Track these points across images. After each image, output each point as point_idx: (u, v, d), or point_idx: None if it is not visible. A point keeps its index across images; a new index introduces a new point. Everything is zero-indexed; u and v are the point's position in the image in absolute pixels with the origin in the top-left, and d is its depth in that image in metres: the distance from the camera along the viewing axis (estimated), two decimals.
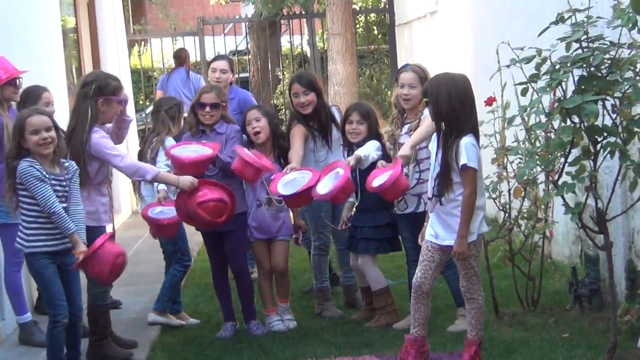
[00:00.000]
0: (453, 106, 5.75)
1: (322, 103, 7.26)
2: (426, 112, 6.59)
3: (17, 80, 6.88)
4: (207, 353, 6.67)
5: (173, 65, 14.32)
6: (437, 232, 5.95)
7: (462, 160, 5.69)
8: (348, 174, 6.62)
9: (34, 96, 7.15)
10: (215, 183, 6.66)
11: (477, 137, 5.83)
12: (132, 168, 6.46)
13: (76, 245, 5.81)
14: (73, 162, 6.09)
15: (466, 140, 5.71)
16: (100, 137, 6.37)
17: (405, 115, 7.01)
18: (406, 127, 6.97)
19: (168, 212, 6.76)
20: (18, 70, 6.87)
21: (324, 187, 6.66)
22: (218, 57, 9.02)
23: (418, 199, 6.77)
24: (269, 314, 7.18)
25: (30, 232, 5.87)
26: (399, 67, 7.38)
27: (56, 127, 5.94)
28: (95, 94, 6.41)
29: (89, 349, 6.49)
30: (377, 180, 6.56)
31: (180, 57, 13.89)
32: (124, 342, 6.76)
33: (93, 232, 6.16)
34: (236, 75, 9.28)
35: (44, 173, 5.77)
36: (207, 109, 6.89)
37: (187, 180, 6.43)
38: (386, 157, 7.05)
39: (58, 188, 5.86)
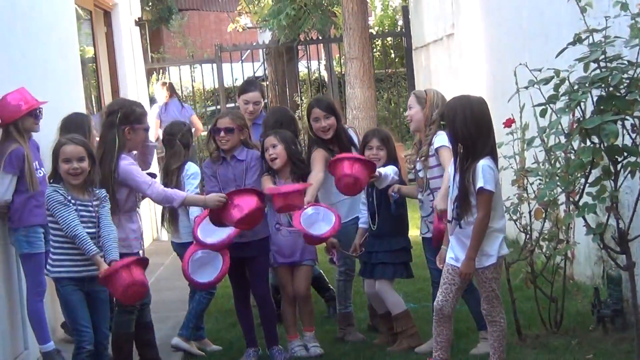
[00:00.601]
0: (469, 129, 5.76)
1: (341, 127, 7.28)
2: (437, 143, 6.71)
3: (37, 111, 6.91)
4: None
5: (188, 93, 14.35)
6: (457, 255, 5.94)
7: (479, 184, 5.70)
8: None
9: (77, 123, 7.19)
10: (242, 191, 6.66)
11: (495, 159, 5.82)
12: (161, 194, 6.49)
13: (99, 266, 5.84)
14: (103, 189, 6.14)
15: (483, 163, 5.72)
16: (128, 164, 6.43)
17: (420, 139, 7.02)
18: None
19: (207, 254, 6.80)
20: (38, 101, 6.91)
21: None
22: (249, 88, 8.64)
23: None
24: (291, 339, 7.13)
25: (56, 258, 5.97)
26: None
27: (91, 156, 6.00)
28: (121, 122, 6.47)
29: None
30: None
31: (173, 88, 13.95)
32: None
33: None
34: (265, 100, 9.17)
35: (69, 198, 5.85)
36: (222, 133, 6.87)
37: (213, 198, 6.46)
38: (402, 182, 7.08)
39: (84, 213, 5.94)
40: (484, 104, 5.95)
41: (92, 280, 5.97)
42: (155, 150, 7.09)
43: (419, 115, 6.89)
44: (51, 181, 6.04)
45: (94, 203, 6.06)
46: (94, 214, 6.02)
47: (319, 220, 6.84)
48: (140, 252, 6.72)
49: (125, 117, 6.49)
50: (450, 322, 6.09)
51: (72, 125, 7.13)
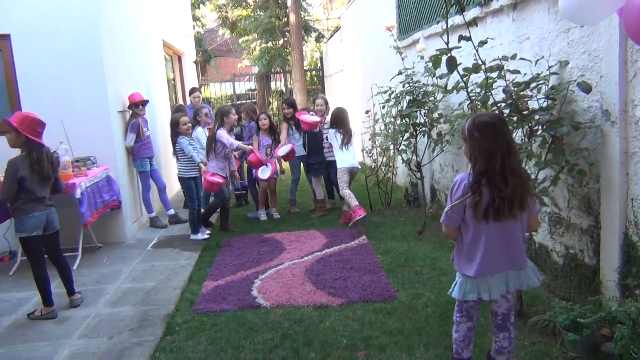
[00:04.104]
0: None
1: (294, 112, 7.04)
2: (328, 118, 6.69)
3: (144, 103, 6.62)
4: (236, 229, 6.41)
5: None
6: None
7: None
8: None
9: (181, 108, 7.20)
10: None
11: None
12: (228, 143, 6.12)
13: (201, 167, 6.03)
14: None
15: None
16: (221, 132, 6.14)
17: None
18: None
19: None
20: (143, 98, 6.65)
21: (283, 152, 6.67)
22: (194, 90, 8.07)
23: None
24: (261, 209, 6.94)
25: (185, 167, 6.10)
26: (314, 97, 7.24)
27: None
28: (220, 115, 6.24)
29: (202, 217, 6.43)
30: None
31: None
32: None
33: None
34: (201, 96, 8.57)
35: (189, 141, 6.11)
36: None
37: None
38: (321, 131, 6.87)
39: (194, 146, 6.16)
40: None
41: (197, 178, 6.13)
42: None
43: (324, 109, 6.86)
44: (177, 138, 6.09)
45: (193, 143, 6.16)
46: (196, 146, 6.16)
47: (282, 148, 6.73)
48: (223, 177, 6.27)
49: (221, 113, 6.24)
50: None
51: (180, 110, 7.14)
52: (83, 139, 5.97)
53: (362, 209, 6.12)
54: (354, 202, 6.19)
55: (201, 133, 6.63)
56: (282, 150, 6.71)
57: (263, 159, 6.50)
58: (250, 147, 6.46)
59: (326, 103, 7.08)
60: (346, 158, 6.39)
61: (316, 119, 6.61)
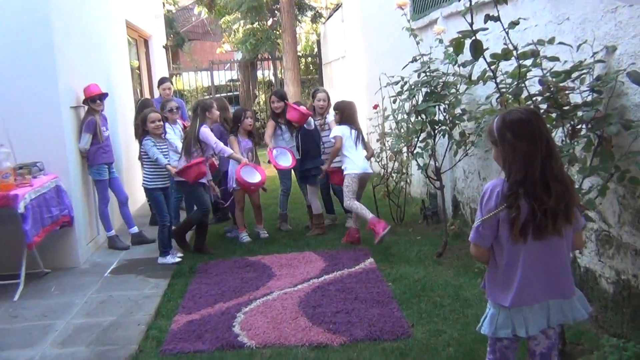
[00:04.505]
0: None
1: (287, 108, 7.05)
2: (329, 117, 6.92)
3: (102, 97, 6.63)
4: (216, 251, 6.43)
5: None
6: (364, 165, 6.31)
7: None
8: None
9: (148, 103, 7.37)
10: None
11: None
12: (218, 148, 6.21)
13: (170, 170, 6.10)
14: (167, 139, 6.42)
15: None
16: (205, 130, 6.19)
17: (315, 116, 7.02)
18: (318, 121, 6.99)
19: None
20: (102, 91, 6.67)
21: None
22: (165, 80, 8.23)
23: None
24: (242, 231, 6.90)
25: (151, 177, 6.16)
26: (314, 90, 7.29)
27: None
28: (201, 110, 6.26)
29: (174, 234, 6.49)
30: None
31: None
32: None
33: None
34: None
35: (155, 142, 6.16)
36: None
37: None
38: (317, 129, 6.98)
39: (162, 149, 6.21)
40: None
41: (167, 188, 6.24)
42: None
43: (326, 105, 7.02)
44: (142, 138, 6.21)
45: (164, 145, 6.21)
46: (165, 149, 6.21)
47: (278, 155, 6.80)
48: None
49: (202, 107, 6.27)
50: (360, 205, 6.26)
51: (146, 104, 7.25)
52: (28, 141, 5.98)
53: (383, 221, 6.13)
54: (368, 214, 6.20)
55: (169, 132, 6.63)
56: (282, 159, 6.71)
57: (257, 173, 6.53)
58: (243, 158, 6.44)
59: (328, 99, 7.11)
60: (358, 162, 6.40)
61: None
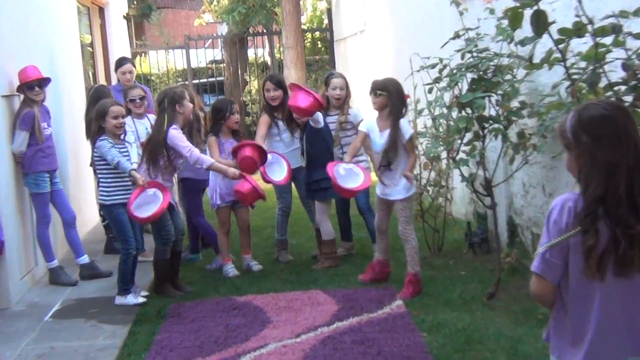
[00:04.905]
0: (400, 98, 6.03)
1: (287, 98, 7.07)
2: (353, 111, 6.95)
3: (43, 82, 6.69)
4: (194, 288, 6.50)
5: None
6: (384, 190, 6.13)
7: (408, 134, 6.00)
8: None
9: (105, 92, 7.33)
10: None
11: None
12: (194, 158, 6.17)
13: (135, 177, 5.99)
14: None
15: (404, 121, 6.01)
16: (176, 132, 6.19)
17: (328, 110, 7.03)
18: (334, 117, 7.01)
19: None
20: (42, 75, 6.72)
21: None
22: (125, 61, 8.28)
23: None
24: (227, 262, 6.94)
25: (111, 190, 6.17)
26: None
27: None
28: (169, 103, 6.25)
29: (154, 289, 6.45)
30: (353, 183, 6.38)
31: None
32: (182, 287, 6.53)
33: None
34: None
35: (113, 144, 6.13)
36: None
37: (234, 173, 6.36)
38: (328, 128, 6.95)
39: (123, 152, 6.19)
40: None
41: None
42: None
43: (344, 95, 7.04)
44: (96, 137, 6.21)
45: (124, 147, 6.23)
46: (126, 152, 6.21)
47: (272, 163, 6.83)
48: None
49: (170, 99, 6.23)
50: (387, 234, 6.29)
51: (102, 94, 7.24)
52: None
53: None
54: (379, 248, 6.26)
55: (131, 129, 6.69)
56: (275, 172, 6.72)
57: (259, 188, 6.52)
58: (235, 170, 6.38)
59: (347, 87, 7.10)
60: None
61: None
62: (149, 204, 6.05)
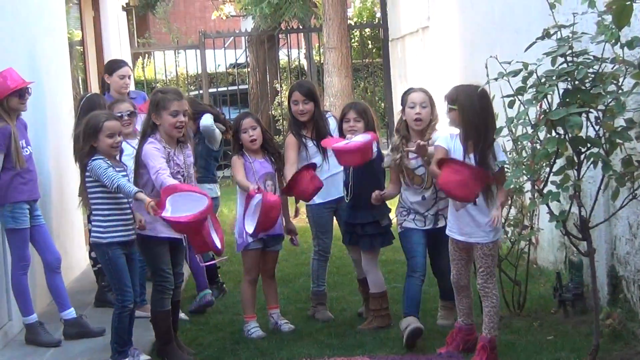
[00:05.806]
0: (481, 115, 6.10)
1: (319, 112, 7.19)
2: (435, 135, 6.60)
3: (24, 91, 6.79)
4: (206, 353, 6.55)
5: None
6: (464, 230, 6.10)
7: (500, 159, 6.19)
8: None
9: (98, 103, 7.43)
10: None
11: None
12: (158, 182, 6.11)
13: (144, 199, 5.91)
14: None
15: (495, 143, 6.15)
16: (151, 147, 6.26)
17: (408, 140, 6.68)
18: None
19: None
20: (25, 81, 6.80)
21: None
22: (122, 64, 8.50)
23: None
24: (250, 320, 7.01)
25: (107, 225, 6.21)
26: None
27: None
28: (151, 109, 6.35)
29: (157, 352, 6.48)
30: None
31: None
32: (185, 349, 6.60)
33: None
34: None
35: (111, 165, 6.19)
36: None
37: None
38: (381, 158, 6.95)
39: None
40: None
41: (132, 243, 6.22)
42: None
43: (428, 115, 6.68)
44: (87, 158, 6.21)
45: (123, 170, 6.30)
46: (126, 175, 6.26)
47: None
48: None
49: (153, 103, 6.35)
50: (468, 291, 6.26)
51: (95, 104, 7.33)
52: None
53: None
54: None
55: (126, 148, 6.76)
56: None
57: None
58: (252, 185, 6.53)
59: (432, 105, 6.74)
60: (457, 219, 6.27)
61: (363, 138, 6.62)
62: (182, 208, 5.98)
